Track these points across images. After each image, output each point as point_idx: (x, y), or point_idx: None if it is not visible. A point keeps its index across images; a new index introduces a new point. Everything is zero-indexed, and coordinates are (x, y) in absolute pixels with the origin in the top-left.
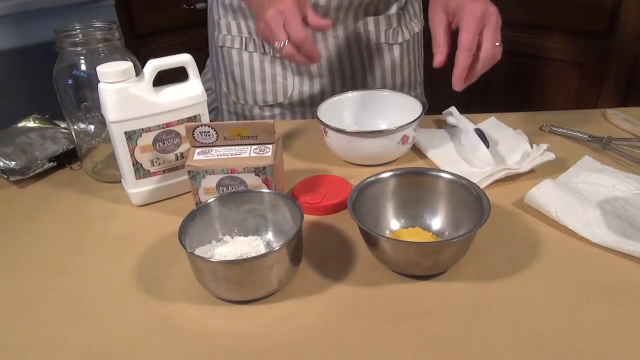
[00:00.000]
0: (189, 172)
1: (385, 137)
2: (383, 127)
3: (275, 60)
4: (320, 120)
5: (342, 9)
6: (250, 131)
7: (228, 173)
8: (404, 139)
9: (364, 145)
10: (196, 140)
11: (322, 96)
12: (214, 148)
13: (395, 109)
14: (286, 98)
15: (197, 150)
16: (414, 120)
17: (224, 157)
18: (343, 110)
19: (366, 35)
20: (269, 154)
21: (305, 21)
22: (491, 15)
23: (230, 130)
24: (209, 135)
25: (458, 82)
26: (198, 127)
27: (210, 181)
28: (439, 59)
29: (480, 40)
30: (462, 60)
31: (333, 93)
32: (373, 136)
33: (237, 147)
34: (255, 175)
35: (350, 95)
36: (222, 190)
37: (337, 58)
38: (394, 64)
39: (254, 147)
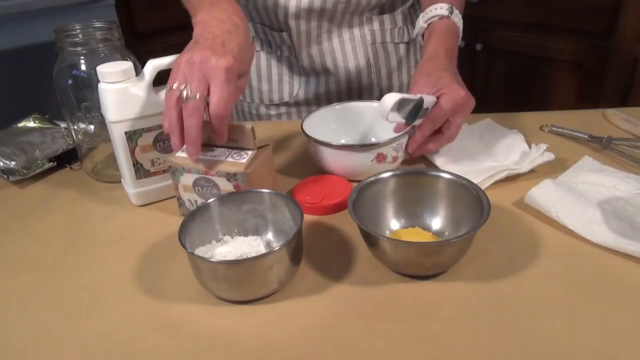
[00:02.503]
0: (169, 166)
1: (358, 152)
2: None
3: (281, 59)
4: (304, 132)
5: (347, 13)
6: (229, 134)
7: (202, 174)
8: (380, 157)
9: (339, 157)
10: None
11: (328, 95)
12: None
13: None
14: (292, 97)
15: (184, 146)
16: (390, 140)
17: (202, 157)
18: (332, 122)
19: (371, 34)
20: (244, 160)
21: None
22: (469, 106)
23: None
24: None
25: (413, 147)
26: None
27: (188, 179)
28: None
29: (450, 121)
30: (427, 130)
31: (339, 92)
32: (346, 150)
33: (219, 149)
34: (227, 180)
35: (338, 107)
36: (198, 190)
37: (342, 57)
38: (400, 63)
39: (234, 151)
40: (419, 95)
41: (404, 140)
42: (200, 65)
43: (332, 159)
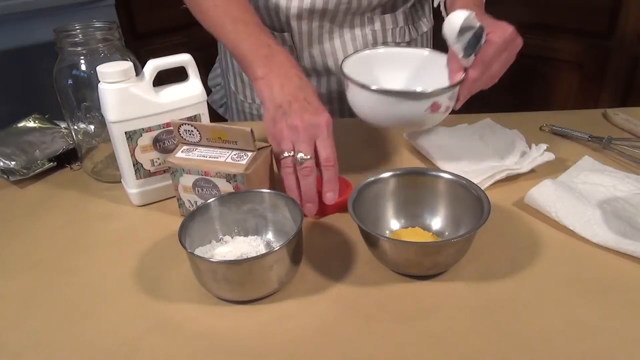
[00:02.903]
0: (169, 167)
1: (412, 100)
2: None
3: None
4: (344, 73)
5: (349, 13)
6: (229, 136)
7: (202, 175)
8: (434, 107)
9: (388, 105)
10: (182, 137)
11: (329, 95)
12: (198, 147)
13: (436, 73)
14: None
15: (184, 147)
16: (449, 87)
17: (202, 158)
18: (374, 66)
19: (372, 34)
20: (244, 162)
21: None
22: (518, 44)
23: (212, 132)
24: (193, 135)
25: (465, 92)
26: (183, 125)
27: (187, 180)
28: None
29: (498, 61)
30: (479, 70)
31: (340, 92)
32: (398, 97)
33: (218, 150)
34: (227, 181)
35: (382, 51)
36: (198, 190)
37: (343, 57)
38: None
39: (234, 152)
40: (479, 23)
41: (457, 89)
42: (304, 127)
43: (381, 107)
